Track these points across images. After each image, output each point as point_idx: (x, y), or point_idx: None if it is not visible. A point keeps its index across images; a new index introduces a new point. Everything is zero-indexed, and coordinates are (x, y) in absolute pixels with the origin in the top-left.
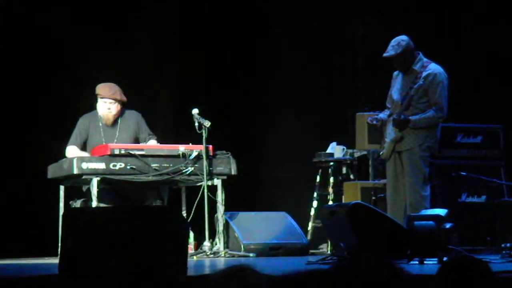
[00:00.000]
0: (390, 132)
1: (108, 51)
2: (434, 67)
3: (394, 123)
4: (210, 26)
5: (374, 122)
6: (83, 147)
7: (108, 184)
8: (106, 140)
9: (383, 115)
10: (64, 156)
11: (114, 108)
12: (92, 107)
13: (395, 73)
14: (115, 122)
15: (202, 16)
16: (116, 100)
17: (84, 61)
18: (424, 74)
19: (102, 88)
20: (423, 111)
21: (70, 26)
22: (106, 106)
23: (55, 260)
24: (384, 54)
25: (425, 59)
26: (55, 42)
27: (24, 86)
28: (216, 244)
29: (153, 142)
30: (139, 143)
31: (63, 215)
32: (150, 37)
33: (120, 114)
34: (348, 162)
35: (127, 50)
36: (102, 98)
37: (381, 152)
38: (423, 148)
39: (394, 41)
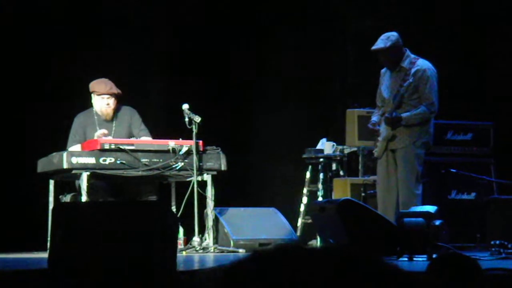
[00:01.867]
0: (383, 131)
1: (100, 46)
2: (422, 63)
3: (386, 121)
4: (202, 22)
5: (377, 127)
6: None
7: (98, 178)
8: None
9: (375, 117)
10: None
11: (112, 102)
12: (83, 104)
13: (383, 70)
14: (112, 118)
15: (194, 13)
16: (113, 94)
17: (75, 56)
18: (412, 70)
19: (97, 85)
20: (415, 108)
21: (60, 22)
22: (105, 102)
23: (45, 255)
24: (373, 47)
25: (412, 56)
26: (48, 39)
27: (15, 81)
28: (205, 239)
29: (144, 138)
30: (133, 136)
31: (52, 210)
32: (143, 32)
33: (116, 110)
34: (338, 158)
35: (119, 46)
36: (99, 95)
37: (374, 150)
38: (418, 145)
39: (383, 36)
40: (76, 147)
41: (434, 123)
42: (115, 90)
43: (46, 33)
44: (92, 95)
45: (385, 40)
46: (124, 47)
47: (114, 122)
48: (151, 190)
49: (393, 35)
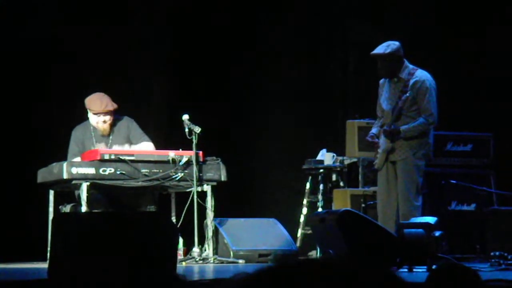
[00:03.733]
0: (382, 143)
1: (100, 57)
2: (420, 74)
3: (385, 134)
4: (201, 33)
5: (376, 140)
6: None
7: (98, 189)
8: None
9: (375, 129)
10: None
11: (108, 119)
12: (82, 112)
13: (381, 81)
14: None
15: (193, 23)
16: (109, 111)
17: (75, 66)
18: (411, 82)
19: (93, 103)
20: (415, 119)
21: (61, 28)
22: (101, 120)
23: (44, 265)
24: (372, 52)
25: (411, 66)
26: (48, 45)
27: (14, 91)
28: (205, 250)
29: (145, 144)
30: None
31: (52, 220)
32: (142, 42)
33: (113, 124)
34: (338, 169)
35: (119, 56)
36: (95, 113)
37: (375, 162)
38: (418, 156)
39: (385, 43)
40: (77, 160)
41: (434, 134)
42: (111, 107)
43: (46, 42)
44: (88, 110)
45: (385, 46)
46: (124, 56)
47: (111, 135)
48: (150, 201)
49: (394, 43)
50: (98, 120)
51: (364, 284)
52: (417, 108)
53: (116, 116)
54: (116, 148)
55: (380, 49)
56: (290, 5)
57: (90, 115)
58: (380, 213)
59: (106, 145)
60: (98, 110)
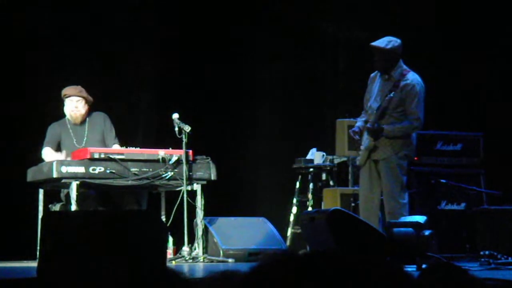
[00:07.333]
0: (365, 140)
1: (88, 56)
2: (412, 77)
3: (368, 131)
4: (190, 31)
5: (357, 137)
6: (58, 149)
7: (88, 188)
8: (76, 140)
9: (360, 123)
10: (40, 158)
11: (81, 106)
12: (61, 115)
13: (372, 74)
14: (83, 122)
15: (182, 21)
16: (82, 97)
17: (63, 66)
18: (402, 83)
19: (68, 89)
20: (399, 120)
21: (47, 27)
22: (73, 105)
23: (34, 264)
24: (372, 43)
25: (404, 67)
26: (33, 45)
27: (4, 88)
28: (195, 249)
29: (116, 147)
30: (105, 142)
31: (42, 219)
32: (131, 42)
33: (88, 115)
34: (328, 168)
35: (107, 55)
36: (68, 97)
37: (357, 159)
38: (400, 156)
39: (387, 37)
40: (48, 150)
41: (424, 134)
42: (85, 94)
43: (31, 36)
44: (64, 99)
45: (386, 41)
46: (113, 55)
47: (86, 127)
48: (139, 200)
49: (396, 41)
50: (71, 106)
51: (374, 278)
52: (403, 110)
53: (92, 111)
54: (91, 136)
55: (381, 43)
56: (279, 4)
57: (65, 103)
58: (362, 209)
59: (82, 135)
60: (70, 93)
